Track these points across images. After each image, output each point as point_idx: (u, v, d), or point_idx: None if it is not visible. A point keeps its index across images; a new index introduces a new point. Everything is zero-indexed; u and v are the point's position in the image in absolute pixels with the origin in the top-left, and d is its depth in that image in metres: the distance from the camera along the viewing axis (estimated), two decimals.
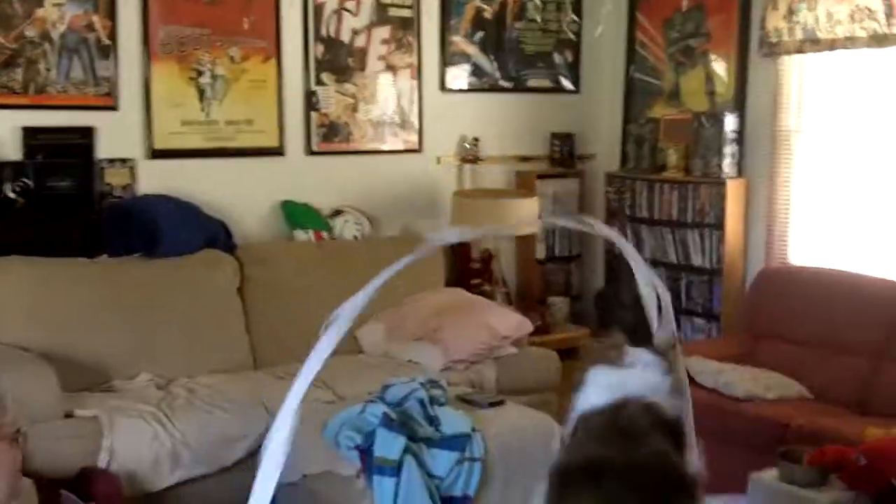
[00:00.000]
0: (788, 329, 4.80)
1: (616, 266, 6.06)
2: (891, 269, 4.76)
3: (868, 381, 4.39)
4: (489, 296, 5.43)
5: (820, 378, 4.49)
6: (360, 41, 5.42)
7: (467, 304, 5.03)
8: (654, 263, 5.85)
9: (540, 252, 6.11)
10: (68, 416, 3.71)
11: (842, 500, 3.55)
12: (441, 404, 3.83)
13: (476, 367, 4.62)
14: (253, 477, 4.07)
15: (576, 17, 6.22)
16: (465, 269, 5.71)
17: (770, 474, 3.73)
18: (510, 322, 4.80)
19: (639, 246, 5.93)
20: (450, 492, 3.55)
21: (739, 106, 5.51)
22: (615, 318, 5.56)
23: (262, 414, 3.93)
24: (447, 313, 4.85)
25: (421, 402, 3.76)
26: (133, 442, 3.66)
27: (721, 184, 5.42)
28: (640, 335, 4.87)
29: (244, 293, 4.69)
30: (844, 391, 4.39)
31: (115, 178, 4.69)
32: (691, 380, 4.28)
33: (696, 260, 5.63)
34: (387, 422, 3.55)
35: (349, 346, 4.86)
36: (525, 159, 6.09)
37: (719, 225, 5.45)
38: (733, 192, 5.42)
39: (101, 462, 3.60)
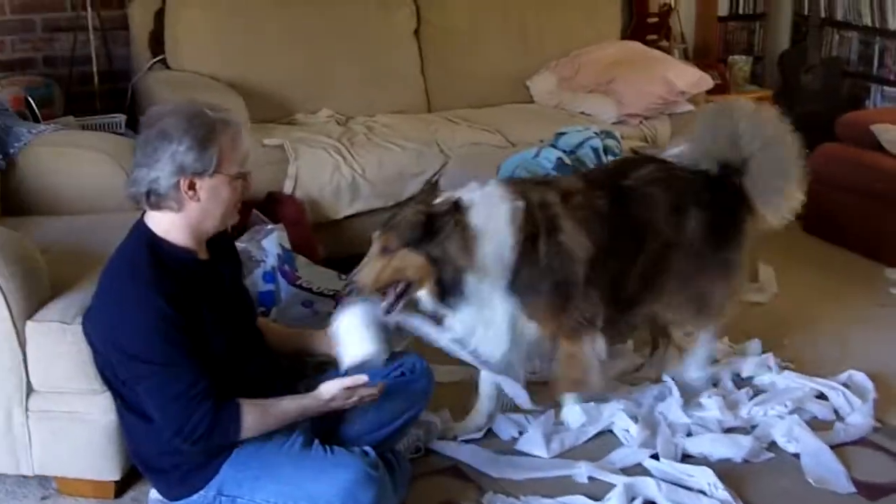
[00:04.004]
0: None
1: (804, 26, 5.74)
2: None
3: None
4: (666, 52, 5.25)
5: None
6: None
7: (644, 56, 4.88)
8: (846, 26, 5.51)
9: (722, 8, 5.82)
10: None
11: None
12: (615, 155, 3.79)
13: (650, 122, 4.53)
14: None
15: None
16: (641, 23, 5.50)
17: None
18: (689, 77, 4.63)
19: (831, 5, 5.56)
20: None
21: None
22: (799, 80, 5.31)
23: (436, 153, 4.02)
24: (622, 65, 4.73)
25: (595, 150, 3.74)
26: (316, 171, 3.82)
27: None
28: (827, 98, 4.65)
29: (420, 36, 4.67)
30: None
31: None
32: (881, 149, 4.12)
33: (894, 23, 5.25)
34: (561, 166, 3.56)
35: (520, 95, 4.84)
36: None
37: None
38: None
39: (287, 188, 3.78)
